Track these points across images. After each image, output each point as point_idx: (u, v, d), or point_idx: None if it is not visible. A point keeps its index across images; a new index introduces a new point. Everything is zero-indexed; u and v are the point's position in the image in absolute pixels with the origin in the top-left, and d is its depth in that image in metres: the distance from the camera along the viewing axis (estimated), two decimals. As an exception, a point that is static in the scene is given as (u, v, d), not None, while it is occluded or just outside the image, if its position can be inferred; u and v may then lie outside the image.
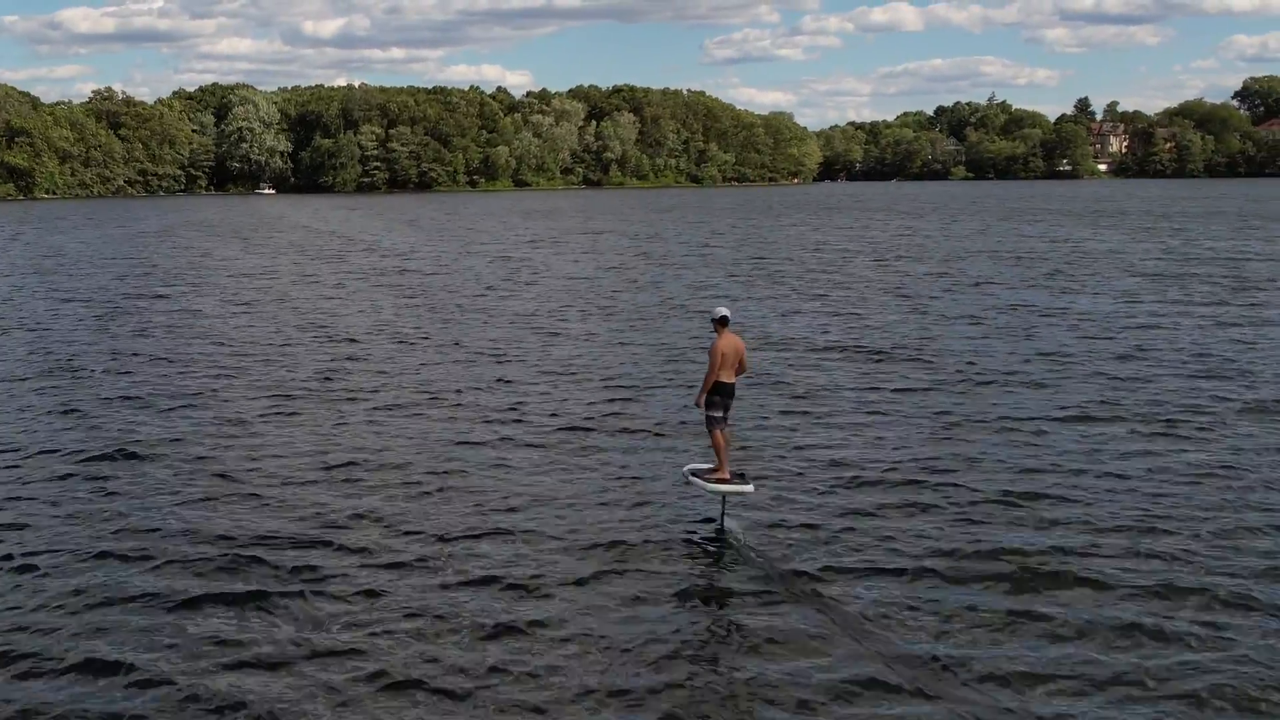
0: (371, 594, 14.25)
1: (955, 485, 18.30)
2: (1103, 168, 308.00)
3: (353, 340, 35.17)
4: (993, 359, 29.84)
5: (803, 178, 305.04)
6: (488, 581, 14.51)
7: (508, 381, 27.83)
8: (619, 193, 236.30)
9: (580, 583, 14.51)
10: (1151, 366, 28.49)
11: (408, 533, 16.52)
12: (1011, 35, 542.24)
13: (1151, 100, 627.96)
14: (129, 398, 26.45)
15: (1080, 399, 24.53)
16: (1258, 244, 68.77)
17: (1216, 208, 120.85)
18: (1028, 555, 15.20)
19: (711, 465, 16.77)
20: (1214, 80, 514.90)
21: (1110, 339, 33.02)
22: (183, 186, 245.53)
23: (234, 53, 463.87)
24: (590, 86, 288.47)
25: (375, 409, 24.80)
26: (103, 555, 15.72)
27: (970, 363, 29.25)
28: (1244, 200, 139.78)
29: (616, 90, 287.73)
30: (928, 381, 26.96)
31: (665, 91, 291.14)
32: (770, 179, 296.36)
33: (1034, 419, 22.75)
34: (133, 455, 20.89)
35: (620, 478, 19.15)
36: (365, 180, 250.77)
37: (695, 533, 16.49)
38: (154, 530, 16.75)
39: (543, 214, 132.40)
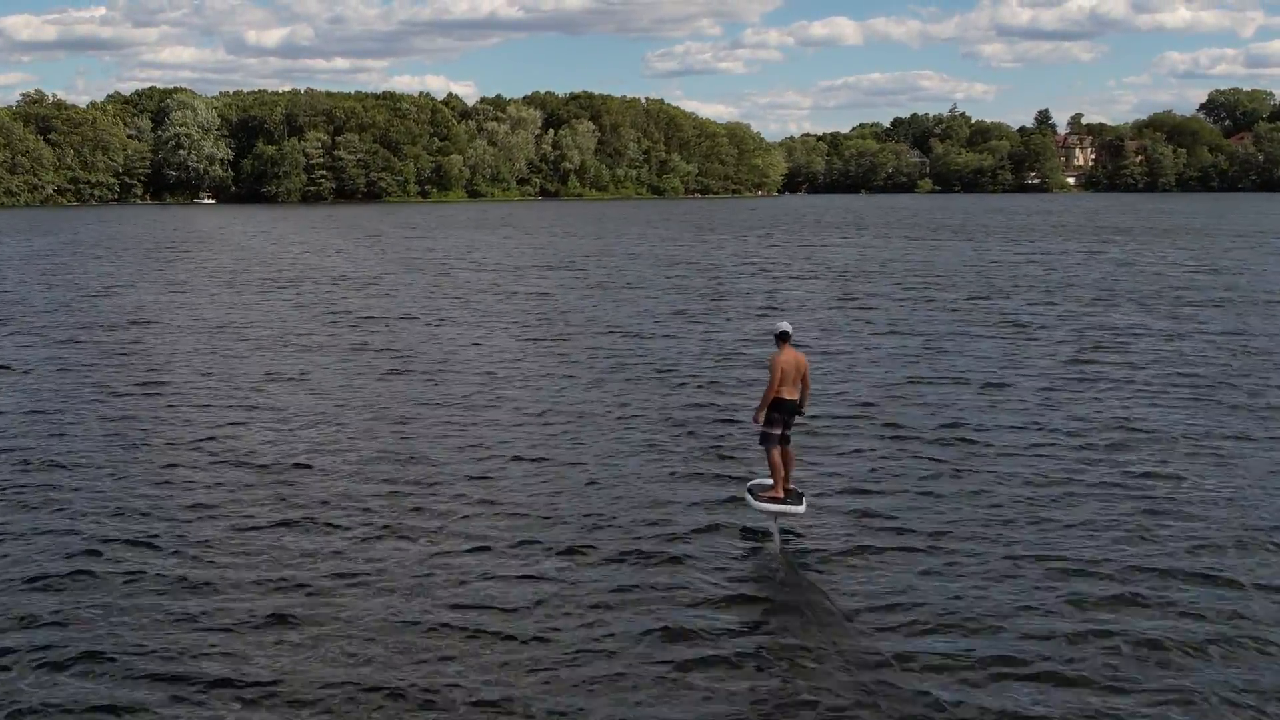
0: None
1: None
2: (1070, 180, 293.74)
3: (326, 501, 17.77)
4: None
5: (767, 189, 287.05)
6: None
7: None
8: (581, 205, 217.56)
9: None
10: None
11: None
12: (949, 50, 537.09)
13: (1088, 115, 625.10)
14: None
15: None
16: None
17: None
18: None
19: (773, 482, 16.03)
20: (1146, 95, 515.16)
21: None
22: (117, 195, 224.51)
23: (176, 61, 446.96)
24: (546, 93, 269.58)
25: None
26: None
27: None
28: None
29: (574, 97, 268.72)
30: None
31: (624, 99, 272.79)
32: (734, 191, 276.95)
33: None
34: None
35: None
36: (310, 190, 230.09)
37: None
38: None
39: (514, 229, 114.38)
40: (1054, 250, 74.60)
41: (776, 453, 15.85)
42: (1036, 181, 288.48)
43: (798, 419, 16.38)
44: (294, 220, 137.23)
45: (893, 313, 41.07)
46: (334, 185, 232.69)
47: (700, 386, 26.95)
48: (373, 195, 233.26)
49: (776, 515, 15.74)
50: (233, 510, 17.55)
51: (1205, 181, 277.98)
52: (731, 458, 20.31)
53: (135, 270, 62.42)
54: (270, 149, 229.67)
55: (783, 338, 16.03)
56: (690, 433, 22.29)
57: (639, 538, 16.07)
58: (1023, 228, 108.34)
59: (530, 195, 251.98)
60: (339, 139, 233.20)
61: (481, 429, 22.70)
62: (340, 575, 14.89)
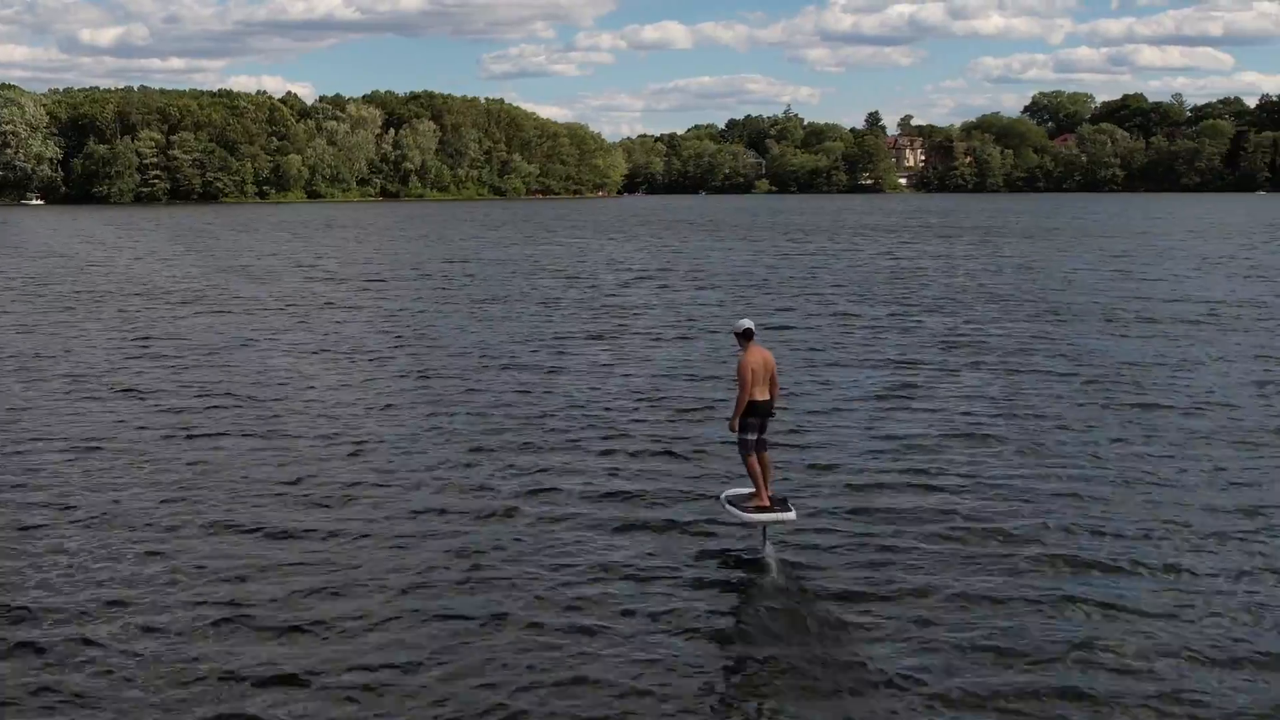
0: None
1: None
2: (903, 181, 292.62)
3: (127, 644, 10.17)
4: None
5: (608, 190, 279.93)
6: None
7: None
8: (423, 205, 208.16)
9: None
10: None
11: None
12: (775, 55, 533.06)
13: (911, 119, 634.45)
14: None
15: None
16: None
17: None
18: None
19: (751, 490, 14.44)
20: (962, 99, 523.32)
21: None
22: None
23: (7, 60, 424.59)
24: (386, 92, 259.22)
25: None
26: None
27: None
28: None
29: (414, 97, 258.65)
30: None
31: (465, 99, 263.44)
32: (575, 191, 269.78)
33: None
34: None
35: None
36: (144, 190, 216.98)
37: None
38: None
39: (358, 231, 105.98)
40: (942, 254, 69.02)
41: (754, 459, 14.34)
42: (870, 182, 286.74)
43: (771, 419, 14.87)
44: (123, 222, 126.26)
45: (823, 332, 34.22)
46: (169, 186, 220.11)
47: (641, 452, 19.58)
48: (209, 196, 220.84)
49: (765, 525, 14.37)
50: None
51: (1032, 182, 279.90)
52: (720, 553, 13.32)
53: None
54: (102, 148, 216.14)
55: (746, 336, 14.59)
56: (644, 524, 15.09)
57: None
58: (890, 229, 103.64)
59: (371, 196, 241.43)
60: (174, 138, 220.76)
61: (351, 526, 15.18)
62: None
